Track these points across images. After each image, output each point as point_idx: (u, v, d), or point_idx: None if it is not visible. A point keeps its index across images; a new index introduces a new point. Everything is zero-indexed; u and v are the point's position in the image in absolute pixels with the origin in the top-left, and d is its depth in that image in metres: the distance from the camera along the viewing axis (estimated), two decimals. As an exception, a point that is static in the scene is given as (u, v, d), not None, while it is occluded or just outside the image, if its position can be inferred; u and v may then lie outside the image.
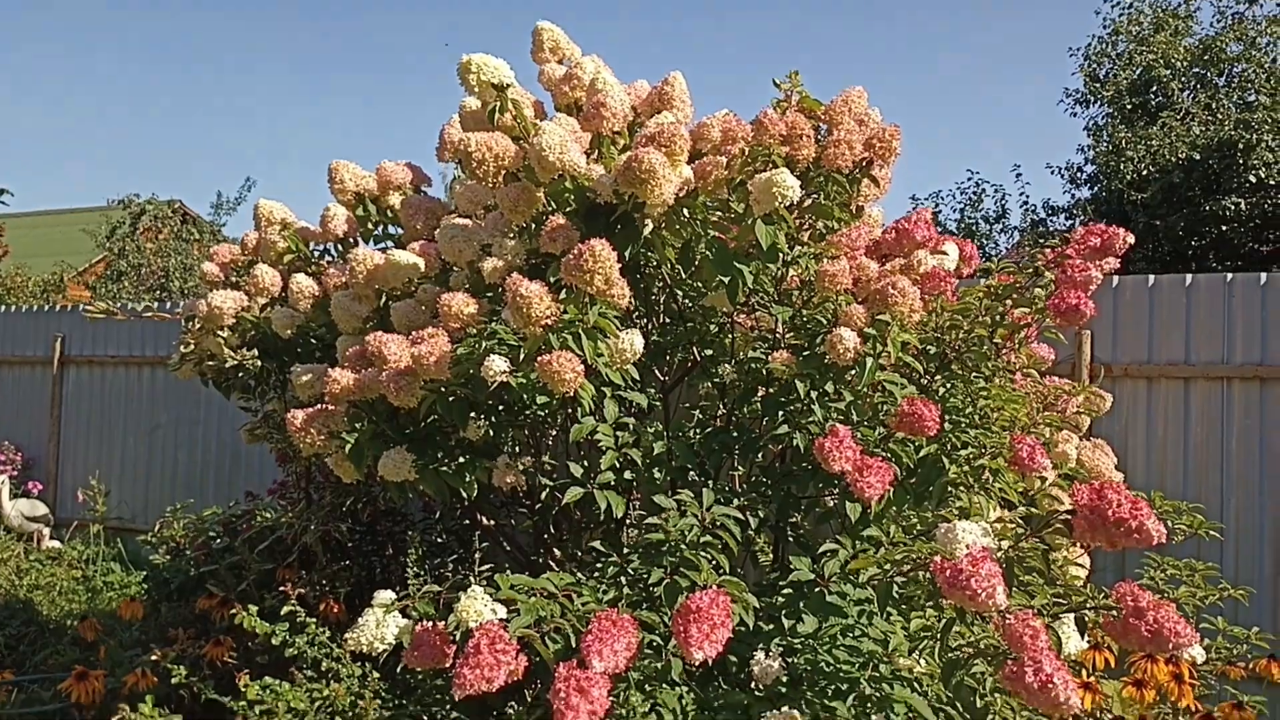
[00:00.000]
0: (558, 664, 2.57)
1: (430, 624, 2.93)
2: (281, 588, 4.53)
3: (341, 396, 3.20)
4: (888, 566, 2.69)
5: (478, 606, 2.81)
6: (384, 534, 5.13)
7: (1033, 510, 2.88)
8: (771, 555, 3.77)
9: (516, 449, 3.77)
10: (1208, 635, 3.66)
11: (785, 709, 2.69)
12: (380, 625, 3.00)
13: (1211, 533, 3.62)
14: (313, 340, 4.35)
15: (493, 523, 4.51)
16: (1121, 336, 5.10)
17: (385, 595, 3.15)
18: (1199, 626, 3.43)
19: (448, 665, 2.79)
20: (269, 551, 4.80)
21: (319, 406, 3.26)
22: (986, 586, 2.43)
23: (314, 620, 3.15)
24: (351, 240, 4.52)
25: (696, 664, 2.58)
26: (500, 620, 2.78)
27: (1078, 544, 2.55)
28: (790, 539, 3.58)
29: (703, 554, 2.98)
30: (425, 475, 3.22)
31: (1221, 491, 4.82)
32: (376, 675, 3.28)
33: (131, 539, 7.59)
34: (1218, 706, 3.23)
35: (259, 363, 4.12)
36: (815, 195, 3.58)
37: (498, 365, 2.94)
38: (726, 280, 3.31)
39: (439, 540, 5.28)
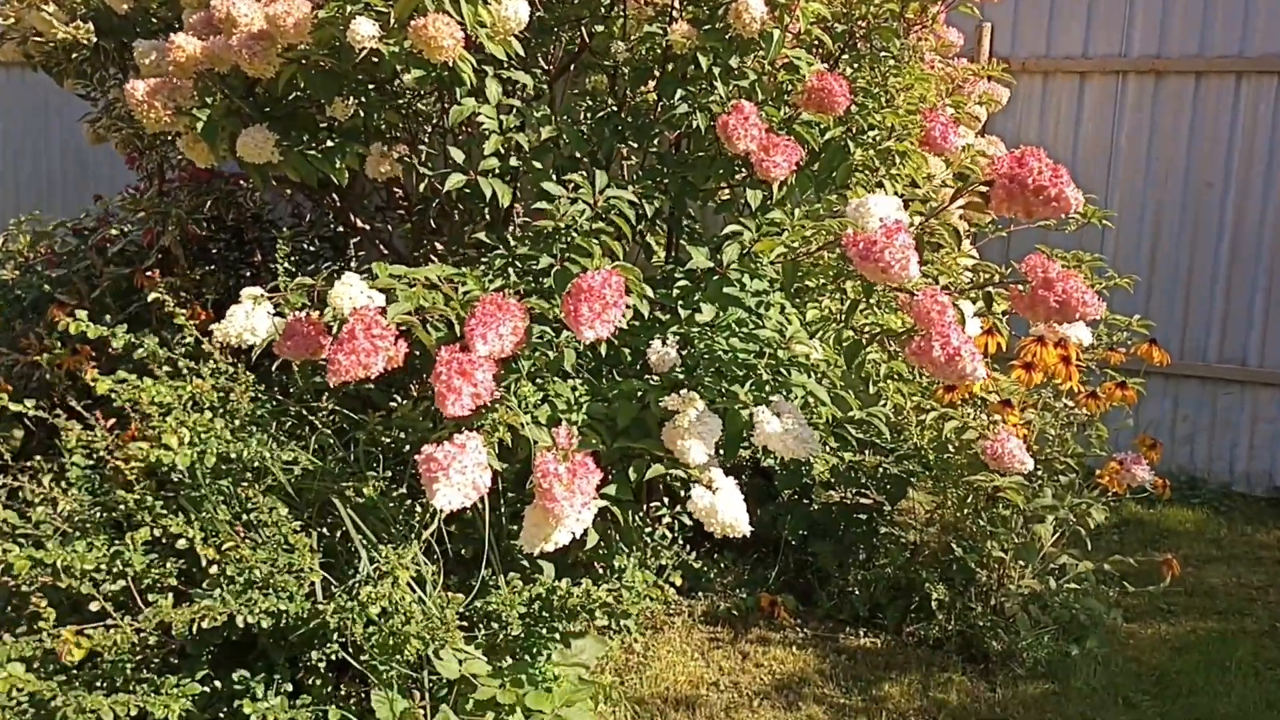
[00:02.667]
0: (439, 349, 2.43)
1: (304, 314, 2.74)
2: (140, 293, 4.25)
3: (188, 67, 2.82)
4: (795, 244, 2.56)
5: (352, 293, 2.61)
6: (252, 241, 4.82)
7: (947, 184, 2.77)
8: (665, 250, 3.62)
9: (394, 136, 3.46)
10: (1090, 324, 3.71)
11: (684, 391, 2.61)
12: (250, 316, 2.78)
13: (1105, 221, 3.60)
14: (154, 20, 3.86)
15: (368, 227, 4.25)
16: (1021, 29, 4.93)
17: (254, 289, 2.92)
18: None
19: (323, 356, 2.62)
20: (125, 258, 4.46)
21: (164, 79, 2.89)
22: (900, 258, 2.32)
23: (182, 313, 2.89)
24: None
25: (588, 344, 2.46)
26: (378, 307, 2.60)
27: (993, 214, 2.45)
28: (686, 233, 3.43)
29: (595, 241, 2.81)
30: (290, 158, 2.92)
31: (1107, 186, 4.82)
32: (252, 376, 3.09)
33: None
34: (1101, 386, 3.29)
35: (94, 39, 3.63)
36: None
37: (365, 29, 2.60)
38: (620, -59, 2.98)
39: (311, 248, 5.00)
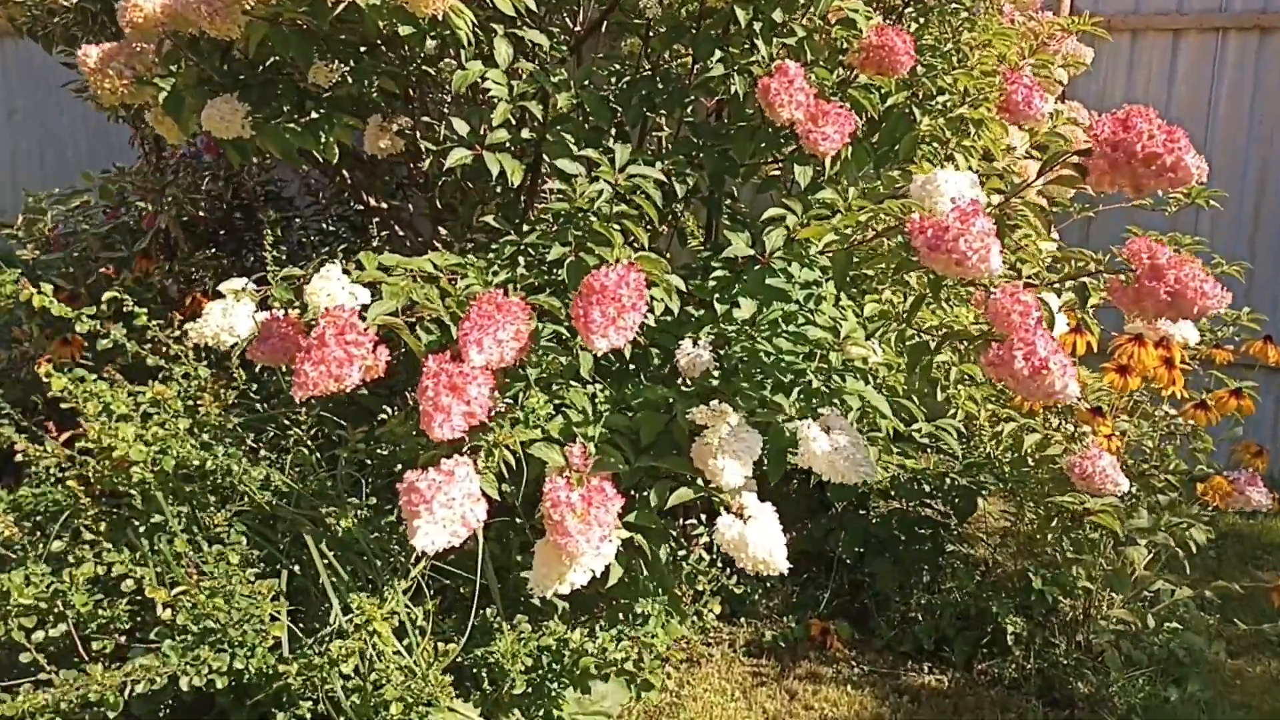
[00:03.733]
0: (426, 357, 2.06)
1: (282, 312, 2.38)
2: (137, 277, 3.95)
3: (148, 29, 2.45)
4: (849, 231, 2.14)
5: (330, 288, 2.25)
6: (265, 222, 4.48)
7: (1031, 154, 2.33)
8: (703, 235, 3.21)
9: (402, 105, 3.08)
10: (1190, 316, 3.23)
11: (715, 402, 2.21)
12: (228, 314, 2.44)
13: (1212, 202, 3.12)
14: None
15: (385, 205, 3.89)
16: (1107, -18, 4.43)
17: (236, 282, 2.57)
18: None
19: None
20: (126, 240, 4.16)
21: (121, 44, 2.53)
22: (979, 247, 1.90)
23: (144, 311, 2.55)
24: None
25: (600, 354, 2.07)
26: (361, 306, 2.23)
27: (1091, 189, 2.01)
28: (727, 215, 3.01)
29: (615, 226, 2.41)
30: (266, 132, 2.54)
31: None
32: (244, 375, 2.75)
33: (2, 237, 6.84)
34: (1209, 394, 2.83)
35: (78, -1, 3.29)
36: None
37: (341, -23, 2.22)
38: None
39: (331, 228, 4.67)
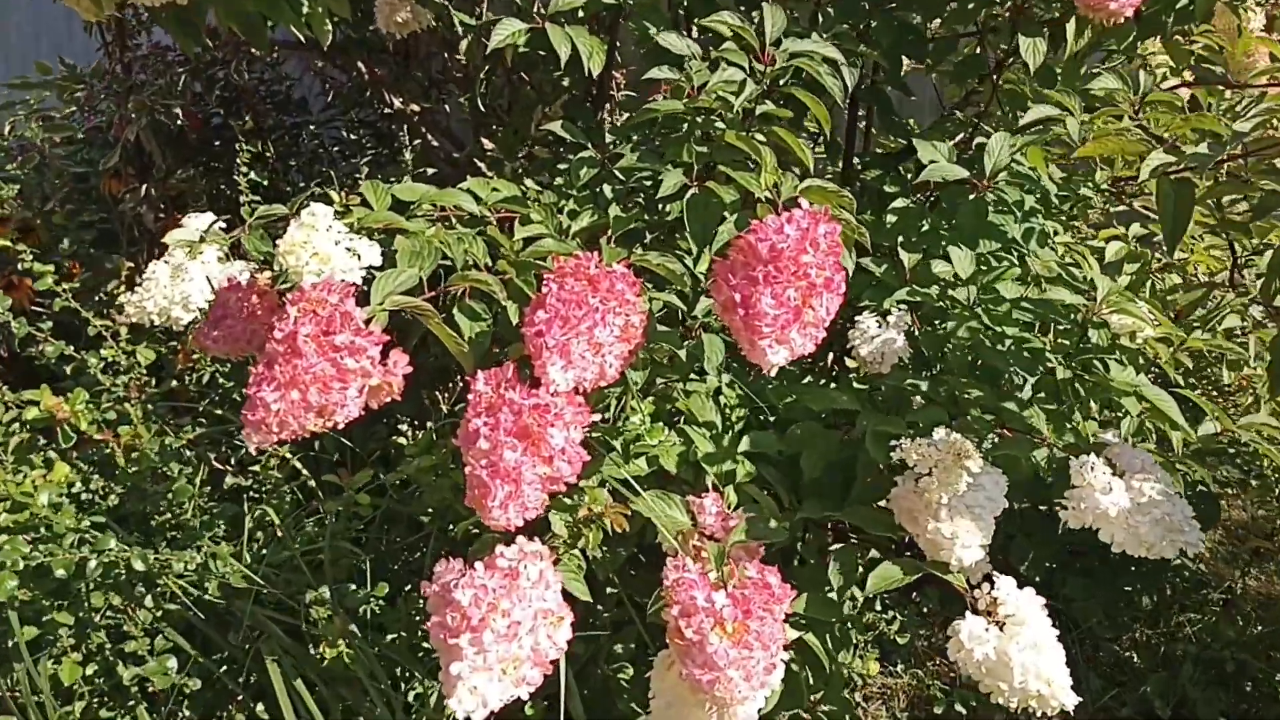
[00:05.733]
0: (475, 373, 1.22)
1: (246, 277, 1.54)
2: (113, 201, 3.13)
3: None
4: (1205, 148, 1.25)
5: (319, 242, 1.39)
6: (269, 130, 3.61)
7: None
8: (846, 143, 2.30)
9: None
10: None
11: (942, 432, 1.34)
12: (179, 277, 1.61)
13: None
14: None
15: (417, 108, 3.03)
16: None
17: (195, 222, 1.70)
18: None
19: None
20: (99, 152, 3.33)
21: None
22: None
23: (49, 269, 1.74)
24: None
25: (772, 370, 1.20)
26: (367, 269, 1.38)
27: None
28: (888, 110, 2.08)
29: (760, 138, 1.52)
30: (211, -5, 1.68)
31: None
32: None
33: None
34: None
35: None
36: None
37: None
38: None
39: (350, 136, 3.81)
